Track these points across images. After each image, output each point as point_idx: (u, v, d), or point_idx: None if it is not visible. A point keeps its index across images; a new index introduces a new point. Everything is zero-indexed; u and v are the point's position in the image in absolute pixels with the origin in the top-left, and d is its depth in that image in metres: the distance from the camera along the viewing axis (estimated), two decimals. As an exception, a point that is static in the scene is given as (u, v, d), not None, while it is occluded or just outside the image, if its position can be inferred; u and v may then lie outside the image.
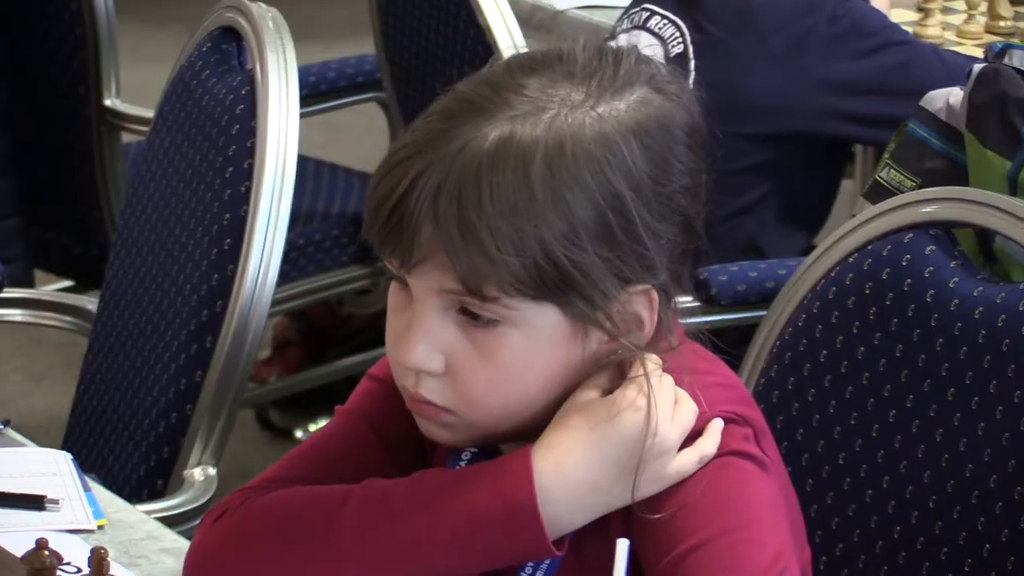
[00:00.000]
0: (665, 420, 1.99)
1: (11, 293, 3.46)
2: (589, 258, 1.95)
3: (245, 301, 2.76)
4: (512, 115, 1.97)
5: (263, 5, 2.91)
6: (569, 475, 1.99)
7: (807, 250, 3.54)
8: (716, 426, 2.03)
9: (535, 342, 2.00)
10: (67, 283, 4.14)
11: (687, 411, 2.02)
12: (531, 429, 2.03)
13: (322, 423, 4.72)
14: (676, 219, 2.02)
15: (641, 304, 2.01)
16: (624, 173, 1.97)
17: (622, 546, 1.75)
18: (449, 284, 1.96)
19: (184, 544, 2.26)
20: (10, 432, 2.50)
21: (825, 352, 2.53)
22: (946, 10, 4.10)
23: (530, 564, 2.07)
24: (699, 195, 2.04)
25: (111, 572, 1.99)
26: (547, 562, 2.06)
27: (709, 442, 2.02)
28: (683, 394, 2.03)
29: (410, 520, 2.03)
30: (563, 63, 2.04)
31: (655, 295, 2.02)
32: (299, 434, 4.76)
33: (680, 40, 3.49)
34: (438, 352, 1.99)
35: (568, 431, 2.01)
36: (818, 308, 2.55)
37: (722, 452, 2.04)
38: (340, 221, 3.97)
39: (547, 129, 1.96)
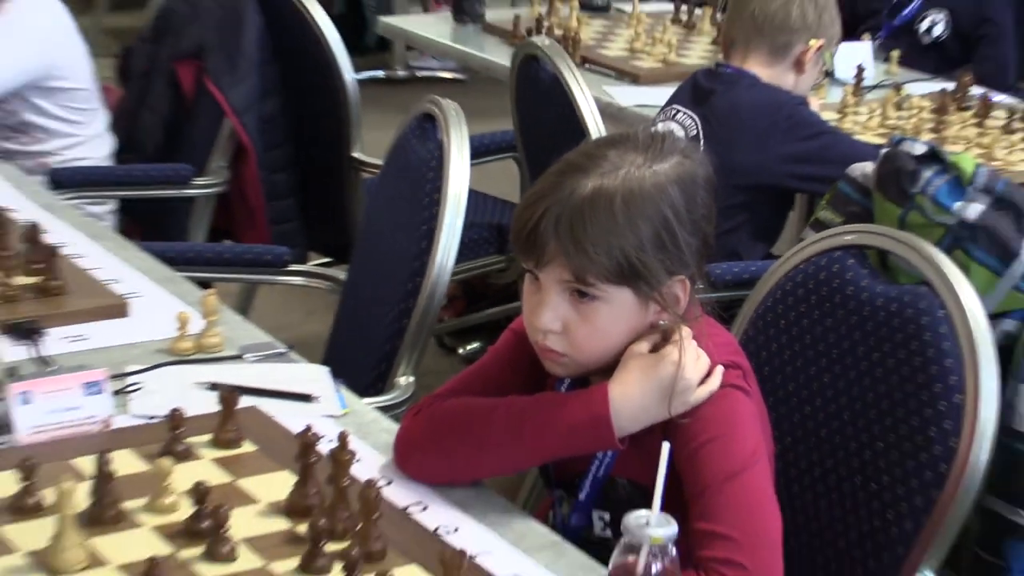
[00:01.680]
0: (689, 368, 2.00)
1: (295, 267, 3.48)
2: (650, 259, 1.98)
3: (435, 278, 2.76)
4: (600, 172, 2.00)
5: (448, 100, 2.87)
6: (630, 401, 2.00)
7: (767, 256, 3.47)
8: (718, 371, 2.04)
9: (616, 311, 2.02)
10: (326, 259, 4.06)
11: (703, 362, 2.03)
12: (610, 366, 2.04)
13: (474, 345, 4.65)
14: (699, 235, 2.04)
15: (679, 288, 2.04)
16: (670, 207, 2.00)
17: (665, 448, 1.71)
18: (565, 276, 1.99)
19: (394, 426, 2.21)
20: (292, 354, 2.43)
21: (783, 322, 2.47)
22: (856, 112, 4.01)
23: (598, 454, 2.12)
24: (711, 221, 2.07)
25: (350, 445, 1.94)
26: (611, 454, 2.11)
27: (715, 381, 2.03)
28: (702, 352, 2.03)
29: (532, 423, 2.04)
30: (630, 141, 2.07)
31: (687, 282, 2.04)
32: (460, 351, 4.70)
33: (695, 127, 3.46)
34: (558, 319, 2.01)
35: (631, 372, 2.02)
36: (780, 295, 2.48)
37: (723, 385, 2.05)
38: (487, 228, 3.96)
39: (622, 181, 1.99)
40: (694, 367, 2.00)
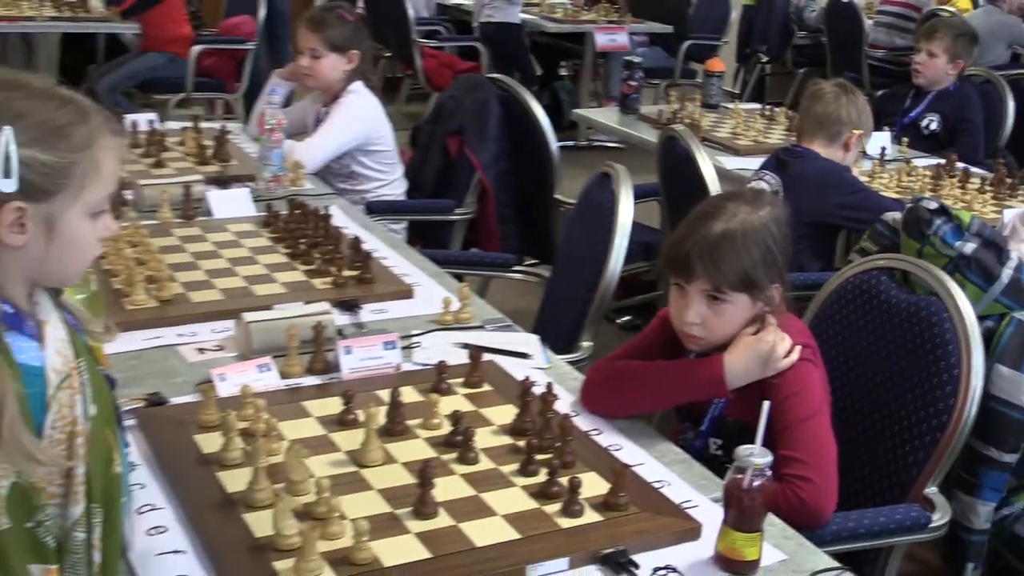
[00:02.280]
0: (778, 345, 1.88)
1: (517, 268, 3.42)
2: (760, 274, 1.90)
3: (609, 277, 2.66)
4: (725, 219, 1.90)
5: (619, 164, 2.78)
6: (738, 366, 1.89)
7: (822, 268, 3.29)
8: (797, 349, 1.90)
9: (739, 309, 1.93)
10: (534, 261, 3.94)
11: (787, 342, 1.90)
12: (726, 346, 1.91)
13: (627, 318, 4.52)
14: (784, 255, 1.92)
15: (776, 291, 1.91)
16: (771, 237, 1.91)
17: (765, 405, 1.58)
18: (706, 288, 1.91)
19: (580, 377, 2.11)
20: (515, 326, 2.34)
21: (837, 317, 2.30)
22: (880, 177, 3.84)
23: (715, 400, 1.97)
24: (790, 245, 1.95)
25: (553, 390, 1.85)
26: (723, 400, 1.96)
27: (794, 355, 1.90)
28: (786, 335, 1.91)
29: (673, 378, 1.94)
30: (740, 196, 1.97)
31: (780, 287, 1.91)
32: (617, 321, 4.50)
33: (777, 185, 3.30)
34: (699, 316, 1.90)
35: (740, 347, 1.91)
36: (836, 298, 2.32)
37: (800, 358, 1.92)
38: (639, 244, 3.65)
39: (740, 223, 1.90)
40: (781, 345, 1.88)
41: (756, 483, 1.52)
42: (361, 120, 3.58)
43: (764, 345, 1.88)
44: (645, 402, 1.96)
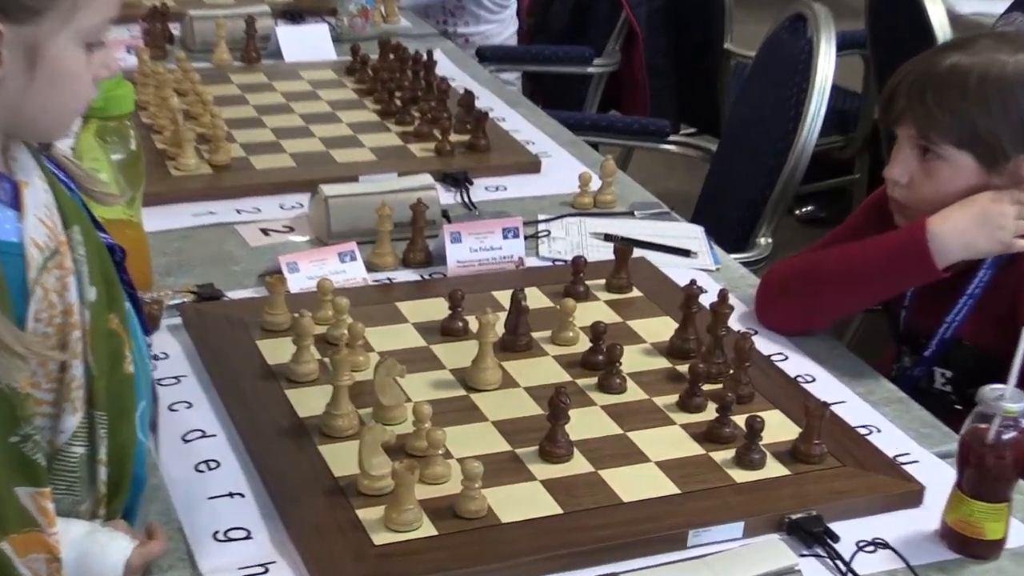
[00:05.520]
0: (1008, 210, 1.79)
1: (674, 138, 3.36)
2: (998, 134, 1.78)
3: (798, 156, 2.58)
4: (967, 52, 1.81)
5: (819, 4, 2.68)
6: (948, 228, 1.79)
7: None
8: None
9: (956, 173, 1.81)
10: (692, 130, 3.86)
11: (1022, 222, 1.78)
12: None
13: (808, 208, 4.40)
14: None
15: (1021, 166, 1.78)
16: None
17: None
18: (911, 132, 1.83)
19: (755, 280, 2.04)
20: (673, 214, 2.27)
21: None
22: None
23: (946, 318, 1.89)
24: None
25: (729, 295, 1.80)
26: (958, 315, 1.89)
27: None
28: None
29: (859, 260, 1.89)
30: (1006, 36, 2.02)
31: None
32: (796, 212, 4.38)
33: None
34: (906, 173, 1.84)
35: (953, 207, 1.80)
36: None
37: None
38: (832, 112, 3.46)
39: (983, 61, 1.79)
40: (1015, 214, 1.77)
41: (1007, 436, 1.44)
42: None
43: (984, 200, 1.77)
44: (830, 302, 1.88)
